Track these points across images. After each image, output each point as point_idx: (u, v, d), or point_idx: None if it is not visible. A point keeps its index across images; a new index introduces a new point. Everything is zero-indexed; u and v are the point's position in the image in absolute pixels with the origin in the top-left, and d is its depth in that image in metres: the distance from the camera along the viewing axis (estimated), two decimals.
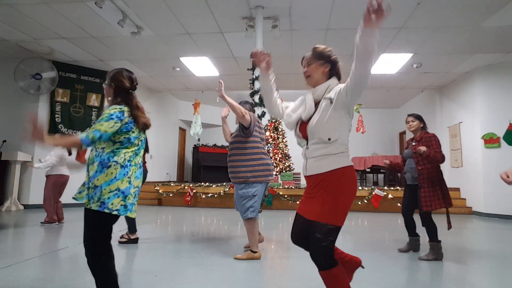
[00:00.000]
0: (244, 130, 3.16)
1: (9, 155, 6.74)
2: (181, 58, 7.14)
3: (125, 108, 1.95)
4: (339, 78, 1.80)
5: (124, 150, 1.93)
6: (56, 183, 5.14)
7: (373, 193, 7.38)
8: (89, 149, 1.95)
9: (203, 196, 7.94)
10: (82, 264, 3.00)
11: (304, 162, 1.77)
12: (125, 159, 1.92)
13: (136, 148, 2.01)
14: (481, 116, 7.00)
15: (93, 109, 7.81)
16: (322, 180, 1.66)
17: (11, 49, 6.68)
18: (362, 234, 4.88)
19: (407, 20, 5.26)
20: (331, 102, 1.64)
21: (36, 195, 6.99)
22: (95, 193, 1.81)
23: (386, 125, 12.03)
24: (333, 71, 1.79)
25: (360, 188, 7.88)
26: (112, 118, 1.87)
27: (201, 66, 7.62)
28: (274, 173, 8.75)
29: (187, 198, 7.93)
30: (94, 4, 4.72)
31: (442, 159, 3.21)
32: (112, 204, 1.81)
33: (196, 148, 11.35)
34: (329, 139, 1.63)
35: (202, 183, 8.33)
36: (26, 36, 6.06)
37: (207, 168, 11.02)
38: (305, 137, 1.74)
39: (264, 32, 5.00)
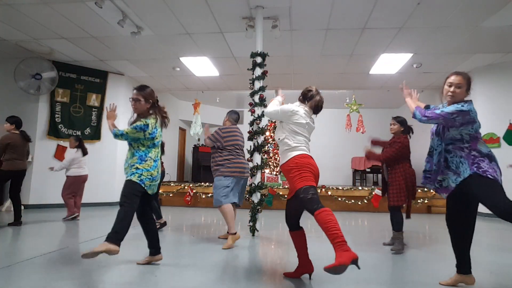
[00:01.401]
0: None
1: None
2: (181, 58, 7.14)
3: (150, 121, 2.79)
4: (304, 102, 2.74)
5: (153, 149, 2.87)
6: (73, 183, 5.61)
7: (373, 193, 7.38)
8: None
9: (203, 196, 7.94)
10: (82, 264, 3.00)
11: None
12: (156, 155, 2.89)
13: (159, 148, 2.97)
14: (481, 116, 6.92)
15: (93, 109, 7.80)
16: (285, 169, 2.55)
17: (11, 49, 6.68)
18: (362, 234, 4.88)
19: (407, 20, 5.26)
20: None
21: (36, 195, 6.99)
22: (136, 172, 2.74)
23: (386, 125, 11.94)
24: (300, 97, 2.78)
25: (360, 188, 7.89)
26: (135, 128, 2.76)
27: (201, 66, 7.61)
28: (274, 173, 8.75)
29: (187, 198, 7.93)
30: (94, 4, 4.72)
31: (385, 159, 3.69)
32: (145, 183, 2.77)
33: (196, 148, 11.34)
34: (279, 139, 2.63)
35: (202, 183, 8.33)
36: (26, 36, 6.06)
37: (207, 168, 10.99)
38: None
39: (264, 32, 4.99)
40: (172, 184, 8.46)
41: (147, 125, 2.76)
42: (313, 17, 5.27)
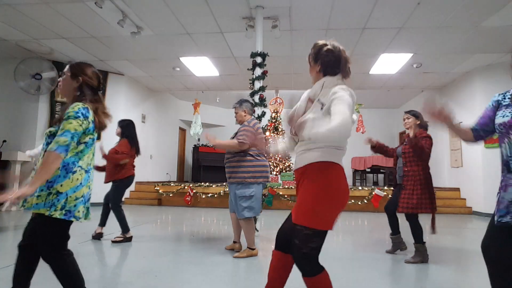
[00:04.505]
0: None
1: (9, 155, 6.74)
2: (181, 58, 7.15)
3: (88, 105, 1.80)
4: (335, 71, 1.66)
5: (87, 154, 1.81)
6: None
7: (373, 193, 7.38)
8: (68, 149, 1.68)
9: (203, 196, 7.94)
10: (82, 264, 3.00)
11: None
12: (88, 164, 1.82)
13: (94, 149, 1.90)
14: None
15: None
16: (301, 175, 1.58)
17: (11, 49, 6.68)
18: (362, 234, 4.88)
19: (407, 20, 5.26)
20: (322, 108, 1.55)
21: None
22: (58, 200, 1.66)
23: (386, 125, 12.03)
24: (326, 68, 1.65)
25: (360, 188, 7.88)
26: (78, 116, 1.70)
27: (201, 66, 7.62)
28: (274, 173, 8.74)
29: (187, 198, 7.93)
30: (94, 4, 4.72)
31: (426, 155, 3.11)
32: (78, 211, 1.72)
33: (196, 148, 11.35)
34: (309, 139, 1.51)
35: (202, 183, 8.33)
36: (26, 36, 6.06)
37: (207, 168, 11.02)
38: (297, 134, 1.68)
39: (264, 32, 5.00)
40: (172, 184, 8.47)
41: (86, 108, 1.77)
42: (313, 17, 5.27)
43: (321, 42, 1.74)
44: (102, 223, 4.03)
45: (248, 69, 4.91)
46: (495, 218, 1.51)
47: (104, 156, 3.91)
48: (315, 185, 1.52)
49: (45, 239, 1.72)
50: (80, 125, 1.70)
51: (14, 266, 1.76)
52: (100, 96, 1.92)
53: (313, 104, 1.61)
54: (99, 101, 1.87)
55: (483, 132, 1.76)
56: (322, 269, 1.52)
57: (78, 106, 1.73)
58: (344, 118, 1.40)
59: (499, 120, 1.60)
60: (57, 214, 1.66)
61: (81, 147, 1.77)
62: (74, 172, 1.72)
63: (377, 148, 3.59)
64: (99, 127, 1.85)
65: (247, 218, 3.23)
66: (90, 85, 1.87)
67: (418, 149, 3.10)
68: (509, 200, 1.47)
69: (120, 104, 8.04)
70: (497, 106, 1.70)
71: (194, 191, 7.96)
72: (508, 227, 1.46)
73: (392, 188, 7.45)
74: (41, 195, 1.66)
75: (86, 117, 1.74)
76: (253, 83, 4.69)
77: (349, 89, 1.57)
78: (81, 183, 1.74)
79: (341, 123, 1.39)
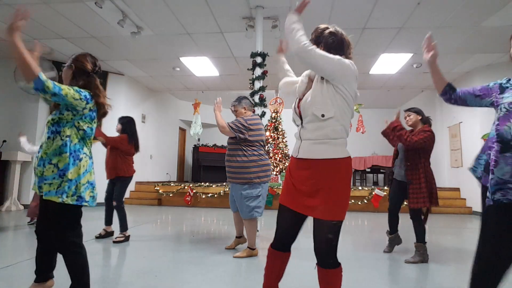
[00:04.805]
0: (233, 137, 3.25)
1: (9, 155, 6.74)
2: (181, 58, 7.15)
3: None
4: (339, 54, 1.62)
5: (88, 141, 1.91)
6: None
7: (373, 193, 7.38)
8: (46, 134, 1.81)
9: (203, 196, 7.94)
10: None
11: (297, 143, 1.65)
12: (90, 151, 1.93)
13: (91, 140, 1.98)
14: (481, 116, 6.99)
15: None
16: (320, 170, 1.52)
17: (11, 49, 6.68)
18: (362, 234, 4.88)
19: (407, 20, 5.26)
20: (322, 77, 1.57)
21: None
22: (69, 186, 1.74)
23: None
24: (329, 51, 1.60)
25: (360, 188, 7.88)
26: (80, 93, 1.79)
27: (201, 66, 7.62)
28: (274, 173, 8.75)
29: (187, 198, 7.93)
30: (94, 4, 4.73)
31: (410, 142, 3.05)
32: (85, 198, 1.81)
33: (196, 148, 11.35)
34: (323, 116, 1.51)
35: (202, 183, 8.33)
36: (26, 36, 6.05)
37: (207, 168, 11.02)
38: (301, 115, 1.64)
39: (264, 32, 5.00)
40: (172, 184, 8.46)
41: (91, 95, 1.88)
42: (313, 17, 5.25)
43: (322, 26, 1.72)
44: (109, 221, 4.07)
45: (248, 69, 4.92)
46: (489, 197, 1.48)
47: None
48: (343, 181, 1.54)
49: (58, 226, 1.79)
50: (74, 99, 1.76)
51: (36, 256, 1.89)
52: (95, 78, 1.98)
53: (313, 82, 1.65)
54: (92, 83, 1.95)
55: (458, 97, 1.82)
56: (340, 262, 1.59)
57: (84, 90, 1.85)
58: (313, 50, 1.51)
59: (508, 99, 1.57)
60: (69, 200, 1.75)
61: (81, 134, 1.86)
62: (81, 159, 1.82)
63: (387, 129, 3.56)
64: (98, 109, 1.94)
65: (254, 218, 3.23)
66: (83, 69, 1.95)
67: (388, 133, 3.22)
68: (498, 176, 1.45)
69: (120, 104, 8.03)
70: (499, 88, 1.67)
71: (194, 191, 7.96)
72: (501, 208, 1.43)
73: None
74: (53, 183, 1.75)
75: (87, 102, 1.83)
76: (253, 83, 4.69)
77: (351, 62, 1.59)
78: (86, 170, 1.83)
79: (309, 48, 1.51)
